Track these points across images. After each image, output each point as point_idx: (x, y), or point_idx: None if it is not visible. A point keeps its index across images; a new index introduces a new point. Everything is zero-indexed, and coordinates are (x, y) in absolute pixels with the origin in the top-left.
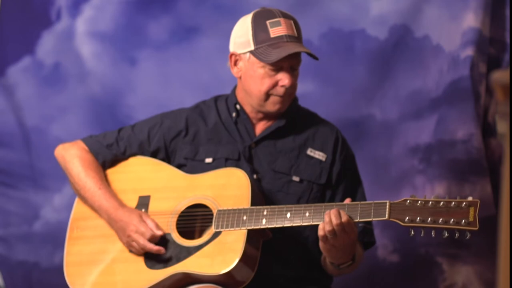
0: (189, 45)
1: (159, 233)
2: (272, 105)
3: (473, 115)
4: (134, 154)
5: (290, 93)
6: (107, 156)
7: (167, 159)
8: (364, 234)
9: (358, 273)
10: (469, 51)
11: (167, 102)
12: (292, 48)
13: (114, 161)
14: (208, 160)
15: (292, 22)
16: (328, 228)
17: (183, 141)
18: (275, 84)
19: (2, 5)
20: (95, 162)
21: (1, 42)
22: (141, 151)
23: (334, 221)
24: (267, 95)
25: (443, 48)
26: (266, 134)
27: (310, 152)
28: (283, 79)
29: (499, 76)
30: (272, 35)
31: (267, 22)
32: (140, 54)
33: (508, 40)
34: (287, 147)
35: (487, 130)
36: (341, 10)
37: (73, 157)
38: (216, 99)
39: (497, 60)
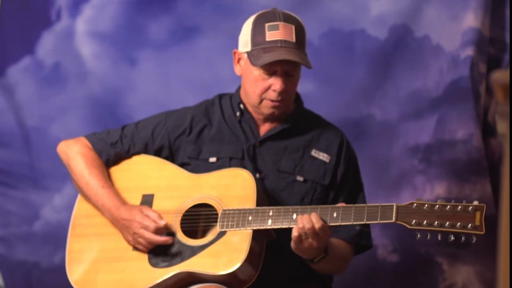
0: (189, 45)
1: (162, 223)
2: (266, 109)
3: (473, 115)
4: (138, 152)
5: (284, 99)
6: (110, 154)
7: (171, 157)
8: (360, 237)
9: (358, 273)
10: (469, 51)
11: (167, 102)
12: (282, 55)
13: (117, 159)
14: (212, 159)
15: (293, 27)
16: (301, 231)
17: (187, 139)
18: (268, 88)
19: (2, 5)
20: (99, 159)
21: (1, 42)
22: (145, 149)
23: (306, 225)
24: (261, 98)
25: (443, 48)
26: (271, 134)
27: (314, 153)
28: (275, 83)
29: (499, 76)
30: (267, 39)
31: (266, 24)
32: (140, 54)
33: (508, 40)
34: (291, 147)
35: (487, 130)
36: (341, 10)
37: (76, 154)
38: (220, 97)
39: (497, 60)
